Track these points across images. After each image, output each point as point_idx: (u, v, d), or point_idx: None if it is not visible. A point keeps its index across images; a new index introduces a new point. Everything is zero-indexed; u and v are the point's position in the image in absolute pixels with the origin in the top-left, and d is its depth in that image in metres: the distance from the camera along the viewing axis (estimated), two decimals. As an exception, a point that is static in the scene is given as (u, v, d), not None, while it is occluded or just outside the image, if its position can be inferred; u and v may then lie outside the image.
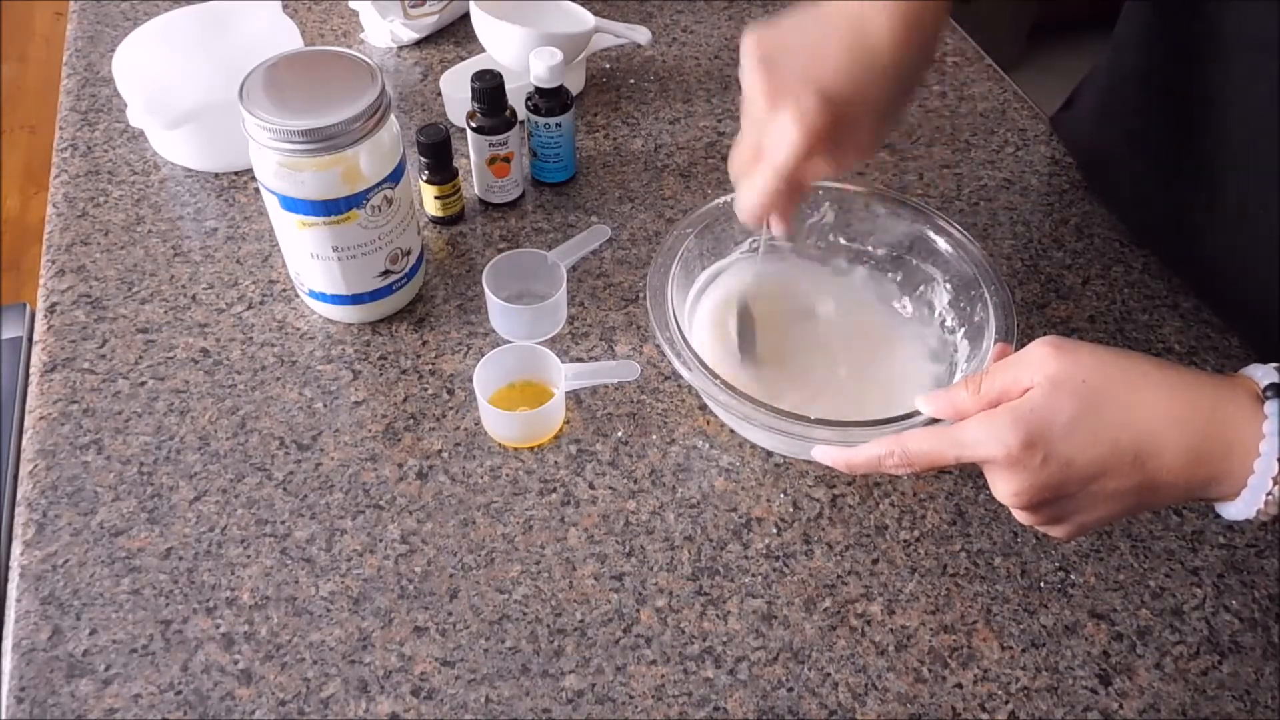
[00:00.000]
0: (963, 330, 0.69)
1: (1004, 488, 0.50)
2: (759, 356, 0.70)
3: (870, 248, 0.75)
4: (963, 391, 0.53)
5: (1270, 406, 0.47)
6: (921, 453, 0.52)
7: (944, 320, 0.72)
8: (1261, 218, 0.69)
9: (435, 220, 0.84)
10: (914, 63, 0.59)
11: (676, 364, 0.63)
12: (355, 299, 0.73)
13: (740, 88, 0.58)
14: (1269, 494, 0.47)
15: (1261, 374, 0.49)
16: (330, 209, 0.67)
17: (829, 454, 0.57)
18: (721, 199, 0.72)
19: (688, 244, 0.70)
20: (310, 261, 0.71)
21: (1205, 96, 0.71)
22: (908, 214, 0.73)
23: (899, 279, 0.75)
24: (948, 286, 0.71)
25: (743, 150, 0.59)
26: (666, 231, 0.82)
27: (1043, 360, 0.50)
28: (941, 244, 0.71)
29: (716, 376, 0.62)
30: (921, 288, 0.73)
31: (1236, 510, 0.49)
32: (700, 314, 0.72)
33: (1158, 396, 0.48)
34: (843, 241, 0.76)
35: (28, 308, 1.06)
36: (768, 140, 0.56)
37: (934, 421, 0.55)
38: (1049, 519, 0.52)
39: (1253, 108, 0.67)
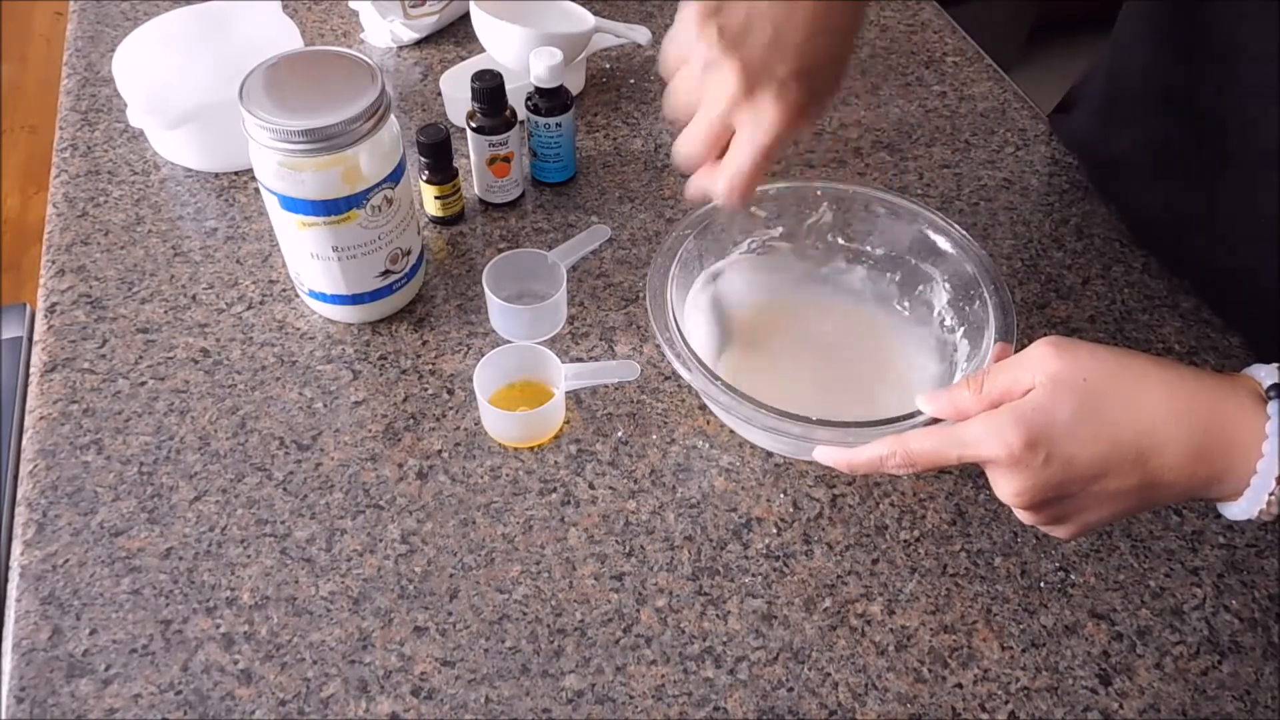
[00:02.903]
0: (962, 330, 0.69)
1: (1006, 487, 0.50)
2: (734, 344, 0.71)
3: (870, 248, 0.75)
4: (964, 391, 0.53)
5: (1273, 407, 0.47)
6: (923, 452, 0.52)
7: (944, 320, 0.72)
8: (1260, 217, 0.69)
9: (435, 220, 0.84)
10: (861, 14, 0.59)
11: (676, 364, 0.63)
12: (355, 299, 0.73)
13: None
14: (1271, 494, 0.47)
15: (1264, 374, 0.49)
16: (330, 209, 0.67)
17: (830, 455, 0.57)
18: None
19: (687, 244, 0.70)
20: (310, 261, 0.70)
21: (1203, 98, 0.71)
22: (907, 214, 0.73)
23: (898, 279, 0.75)
24: (947, 286, 0.71)
25: (705, 128, 0.56)
26: (666, 231, 0.82)
27: (1043, 360, 0.50)
28: (941, 244, 0.71)
29: (717, 377, 0.62)
30: (921, 288, 0.73)
31: (1238, 510, 0.49)
32: (695, 315, 0.72)
33: (1159, 394, 0.48)
34: (842, 241, 0.76)
35: (28, 308, 1.06)
36: (748, 121, 0.55)
37: (935, 421, 0.55)
38: (1051, 518, 0.52)
39: (1250, 110, 0.67)
